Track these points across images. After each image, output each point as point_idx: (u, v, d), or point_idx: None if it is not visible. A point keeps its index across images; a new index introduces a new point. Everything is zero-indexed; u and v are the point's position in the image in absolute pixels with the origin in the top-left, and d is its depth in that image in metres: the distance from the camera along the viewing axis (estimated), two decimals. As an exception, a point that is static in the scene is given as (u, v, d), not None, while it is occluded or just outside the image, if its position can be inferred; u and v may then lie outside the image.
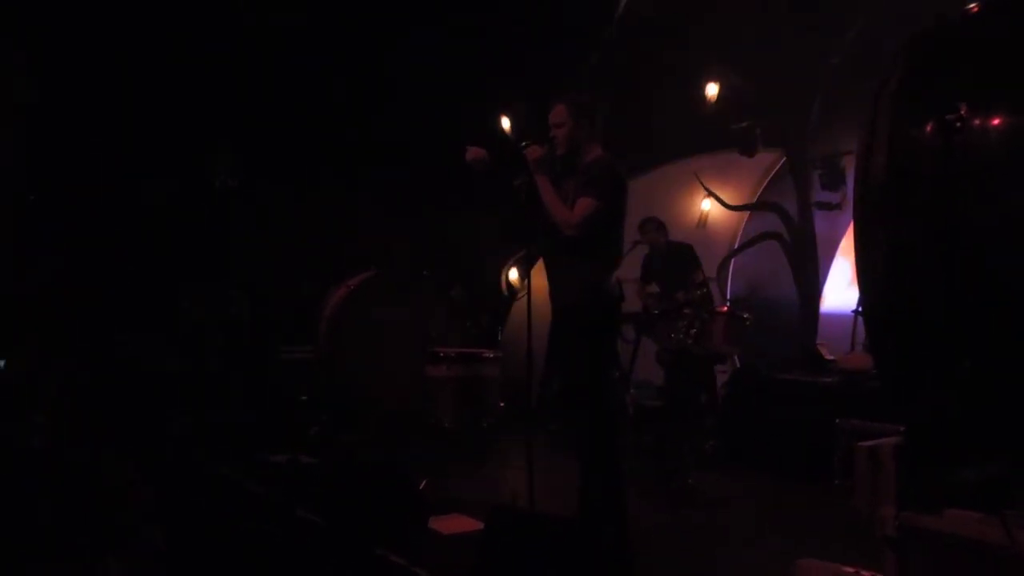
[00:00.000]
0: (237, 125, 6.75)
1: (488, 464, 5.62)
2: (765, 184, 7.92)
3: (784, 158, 7.79)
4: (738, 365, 6.13)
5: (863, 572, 2.97)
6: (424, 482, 4.05)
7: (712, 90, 7.43)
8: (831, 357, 6.16)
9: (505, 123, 8.06)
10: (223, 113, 6.76)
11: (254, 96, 6.94)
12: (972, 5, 2.77)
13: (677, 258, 6.31)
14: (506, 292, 8.65)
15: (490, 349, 6.38)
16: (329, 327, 6.62)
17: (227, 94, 6.83)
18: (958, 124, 2.47)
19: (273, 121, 6.92)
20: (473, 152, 4.00)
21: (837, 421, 5.22)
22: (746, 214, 8.13)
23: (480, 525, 3.45)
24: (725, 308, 5.49)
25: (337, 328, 6.55)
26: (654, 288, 6.23)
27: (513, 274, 8.75)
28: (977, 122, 2.51)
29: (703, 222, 7.97)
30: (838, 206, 7.32)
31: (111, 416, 4.93)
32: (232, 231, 6.62)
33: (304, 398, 6.38)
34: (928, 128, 2.63)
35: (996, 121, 2.50)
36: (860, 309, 6.57)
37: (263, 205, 6.81)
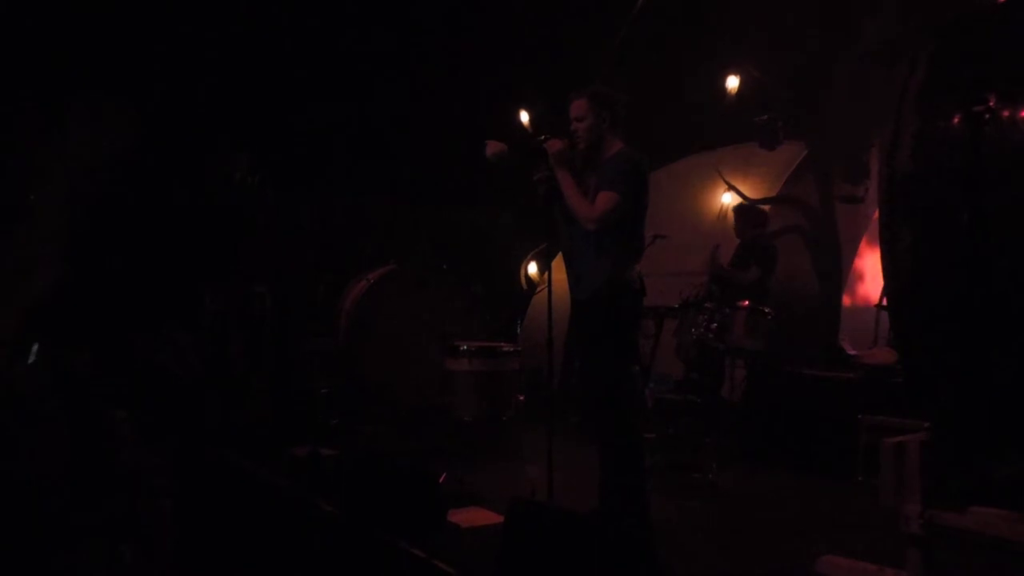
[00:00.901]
0: (255, 123, 6.79)
1: (508, 457, 5.61)
2: (786, 177, 7.82)
3: (805, 151, 7.73)
4: (759, 360, 6.09)
5: (887, 569, 2.96)
6: (444, 475, 4.05)
7: (732, 83, 7.36)
8: (853, 352, 6.11)
9: (524, 117, 8.05)
10: (241, 111, 6.80)
11: (272, 93, 6.98)
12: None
13: (752, 251, 6.24)
14: (525, 286, 8.66)
15: (509, 343, 6.38)
16: (349, 321, 6.67)
17: (244, 92, 6.88)
18: (987, 116, 2.44)
19: (292, 118, 6.96)
20: (493, 146, 4.01)
21: (859, 417, 5.19)
22: (767, 208, 8.07)
23: (500, 519, 3.46)
24: (746, 303, 5.47)
25: (357, 321, 6.59)
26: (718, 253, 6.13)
27: (532, 268, 8.77)
28: (1006, 113, 2.49)
29: (724, 215, 7.91)
30: (861, 199, 7.24)
31: (134, 411, 4.97)
32: (252, 228, 6.67)
33: (325, 391, 6.41)
34: (955, 120, 2.61)
35: (1025, 113, 2.48)
36: (883, 303, 6.53)
37: (283, 202, 6.86)
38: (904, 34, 6.55)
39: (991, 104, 2.46)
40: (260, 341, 6.40)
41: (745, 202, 7.24)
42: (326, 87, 7.21)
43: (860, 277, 7.76)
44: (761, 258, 6.24)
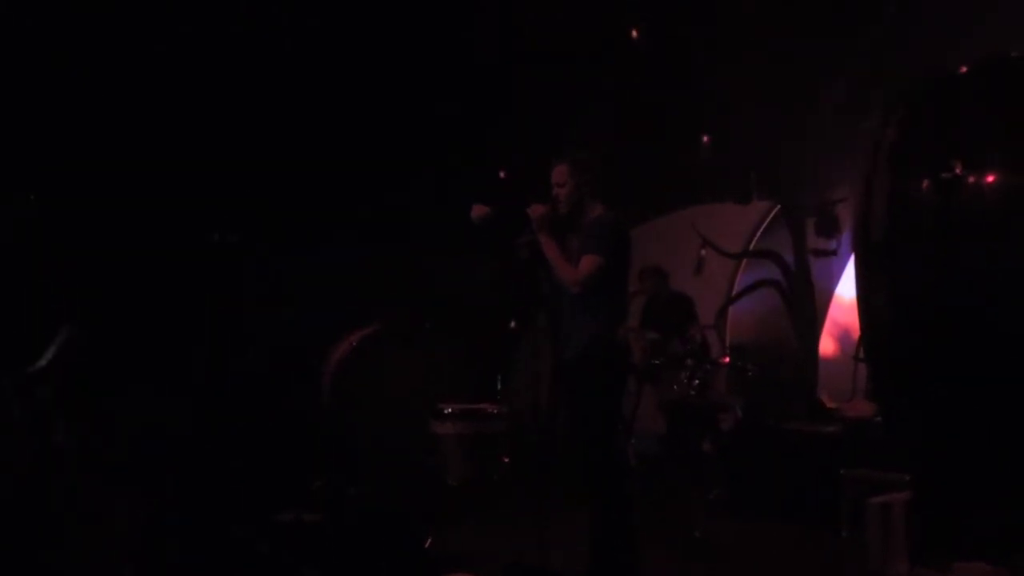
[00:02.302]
0: (235, 181, 6.79)
1: (495, 519, 5.58)
2: (760, 232, 8.01)
3: (778, 206, 7.91)
4: (740, 415, 6.15)
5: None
6: (431, 539, 4.04)
7: (705, 141, 7.56)
8: (833, 405, 6.17)
9: (502, 175, 8.14)
10: (222, 170, 6.82)
11: (252, 152, 6.98)
12: (962, 67, 2.88)
13: (676, 308, 6.35)
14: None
15: (494, 404, 6.36)
16: (334, 381, 6.63)
17: (225, 152, 6.91)
18: (954, 182, 2.56)
19: (273, 177, 6.96)
20: (477, 210, 4.09)
21: (842, 471, 5.22)
22: (743, 262, 8.23)
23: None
24: (727, 359, 5.55)
25: (342, 382, 6.56)
26: (653, 335, 6.26)
27: (512, 324, 8.75)
28: (972, 180, 2.62)
29: (700, 270, 8.02)
30: (834, 252, 7.40)
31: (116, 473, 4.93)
32: (234, 286, 6.68)
33: (309, 453, 6.33)
34: (925, 185, 2.73)
35: (990, 179, 2.60)
36: (860, 355, 6.62)
37: (264, 260, 6.85)
38: (868, 91, 6.77)
39: (957, 171, 2.59)
40: (243, 400, 6.35)
41: (721, 253, 7.37)
42: (306, 147, 7.24)
43: (835, 328, 7.89)
44: (689, 310, 6.38)
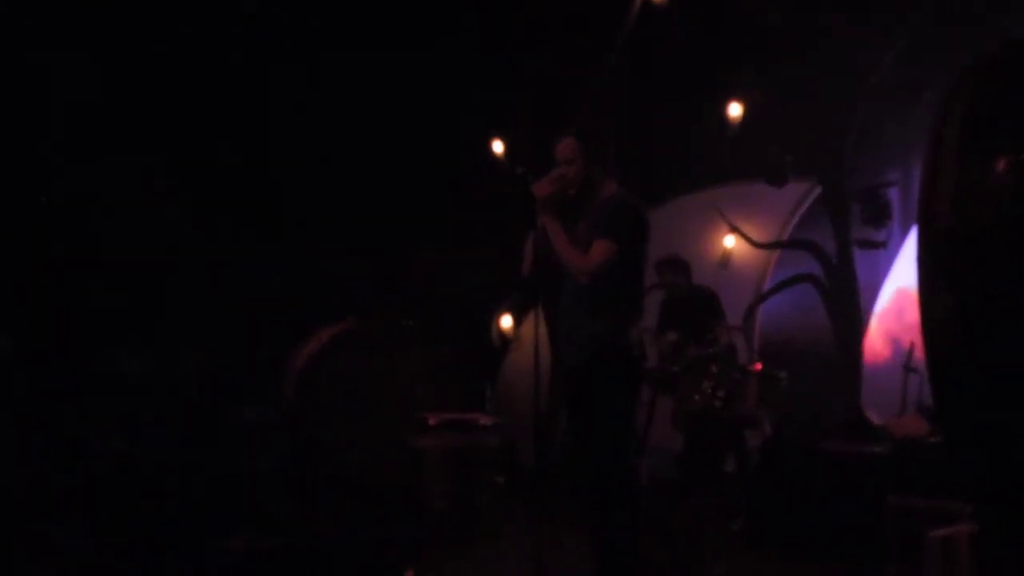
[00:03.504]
0: (187, 162, 6.81)
1: (485, 548, 5.58)
2: (797, 219, 8.00)
3: (818, 189, 7.90)
4: (770, 431, 6.14)
5: None
6: (410, 571, 4.03)
7: (735, 111, 7.53)
8: (879, 421, 6.18)
9: (497, 146, 8.08)
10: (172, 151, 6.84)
11: (205, 127, 7.00)
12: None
13: (699, 306, 6.35)
14: (497, 343, 8.63)
15: (485, 415, 6.38)
16: (298, 386, 6.59)
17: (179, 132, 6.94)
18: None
19: (230, 153, 6.97)
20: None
21: (889, 498, 5.22)
22: (776, 253, 8.21)
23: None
24: (759, 366, 5.55)
25: (308, 387, 6.52)
26: (673, 337, 6.26)
27: (505, 322, 8.74)
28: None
29: (726, 262, 8.01)
30: (883, 244, 7.41)
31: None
32: (181, 276, 6.65)
33: (265, 471, 6.29)
34: (1001, 167, 2.71)
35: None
36: (911, 364, 6.63)
37: (219, 247, 6.82)
38: (923, 60, 6.77)
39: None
40: (187, 409, 6.33)
41: (751, 243, 7.34)
42: (267, 115, 7.23)
43: (882, 332, 7.90)
44: (714, 308, 6.34)
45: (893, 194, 7.33)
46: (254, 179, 7.13)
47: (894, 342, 7.72)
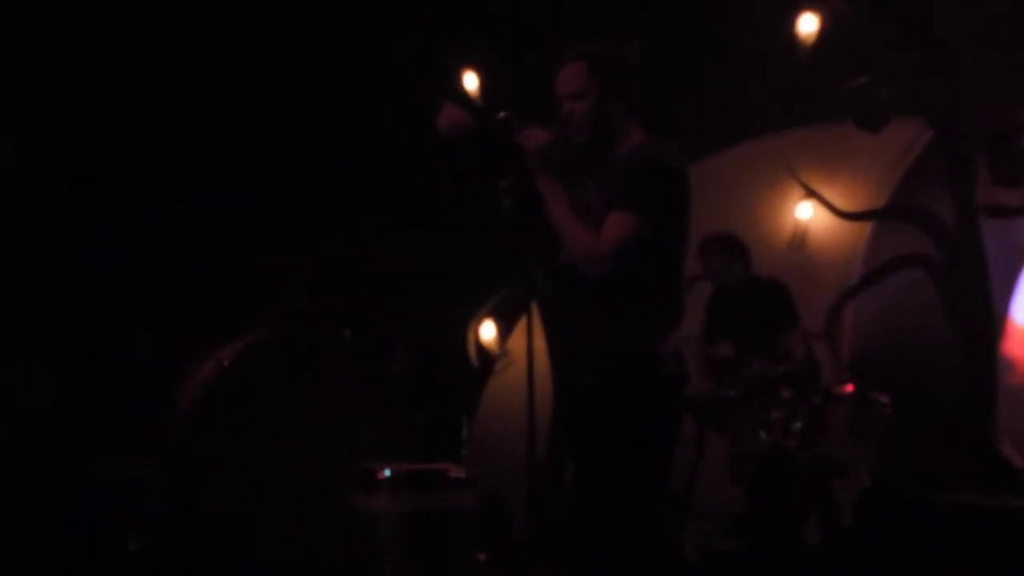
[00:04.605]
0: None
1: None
2: (900, 177, 7.95)
3: (929, 134, 7.81)
4: (868, 480, 6.08)
5: None
6: None
7: (810, 26, 7.45)
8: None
9: (471, 82, 8.07)
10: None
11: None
12: None
13: (762, 305, 6.31)
14: (476, 361, 8.64)
15: (459, 465, 6.37)
16: (186, 429, 6.57)
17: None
18: None
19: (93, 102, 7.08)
20: (451, 115, 4.01)
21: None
22: (870, 227, 8.15)
23: None
24: (850, 388, 5.53)
25: (200, 430, 6.53)
26: (727, 350, 6.24)
27: (487, 331, 8.74)
28: None
29: (800, 241, 7.98)
30: (1022, 211, 7.35)
31: None
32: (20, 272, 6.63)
33: (138, 543, 6.28)
34: None
35: None
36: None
37: (77, 230, 6.84)
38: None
39: None
40: (29, 452, 6.39)
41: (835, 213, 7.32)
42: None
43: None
44: (784, 306, 6.46)
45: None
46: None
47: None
